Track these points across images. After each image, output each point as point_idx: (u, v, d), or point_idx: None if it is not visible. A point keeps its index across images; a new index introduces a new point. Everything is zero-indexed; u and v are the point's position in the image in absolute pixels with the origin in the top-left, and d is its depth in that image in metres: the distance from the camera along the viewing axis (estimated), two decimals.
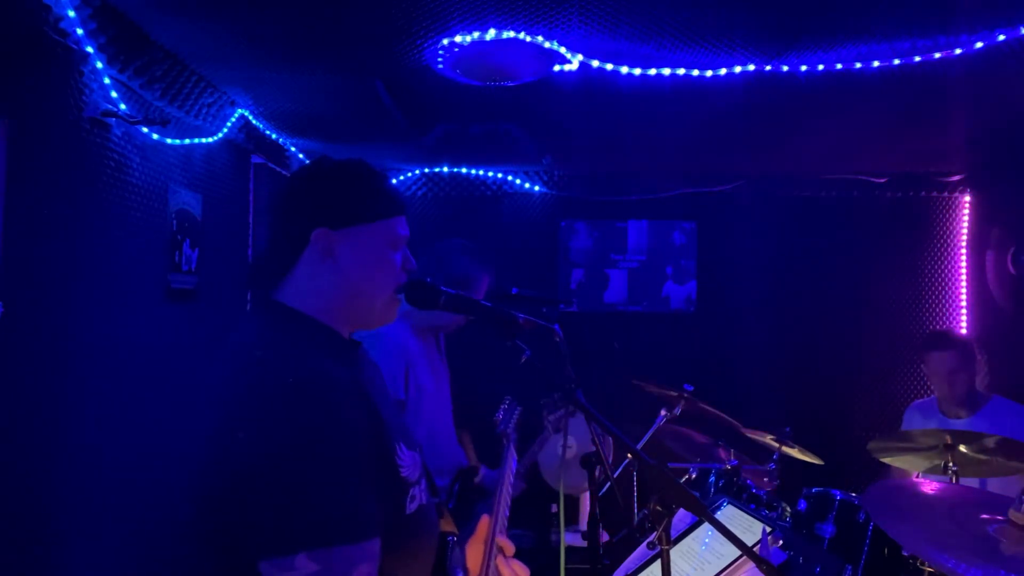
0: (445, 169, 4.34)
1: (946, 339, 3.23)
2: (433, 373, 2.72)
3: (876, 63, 2.40)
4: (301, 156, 3.77)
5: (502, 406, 2.64)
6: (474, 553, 1.50)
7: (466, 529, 2.60)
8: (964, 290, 4.28)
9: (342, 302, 1.32)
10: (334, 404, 1.15)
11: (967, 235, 4.29)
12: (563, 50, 2.35)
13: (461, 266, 2.62)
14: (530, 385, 2.04)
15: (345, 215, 1.31)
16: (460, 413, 2.97)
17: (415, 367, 2.58)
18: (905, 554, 2.13)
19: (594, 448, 2.08)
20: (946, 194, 4.32)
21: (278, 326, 1.28)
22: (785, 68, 2.47)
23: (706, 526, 2.03)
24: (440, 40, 2.29)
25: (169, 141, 2.61)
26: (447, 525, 1.51)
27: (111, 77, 2.22)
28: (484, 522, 1.53)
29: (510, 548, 1.51)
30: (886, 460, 2.82)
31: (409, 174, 4.41)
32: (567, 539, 3.31)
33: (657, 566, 1.44)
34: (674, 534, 1.99)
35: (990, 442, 2.49)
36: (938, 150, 3.72)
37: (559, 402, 2.67)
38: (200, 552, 1.17)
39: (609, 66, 2.45)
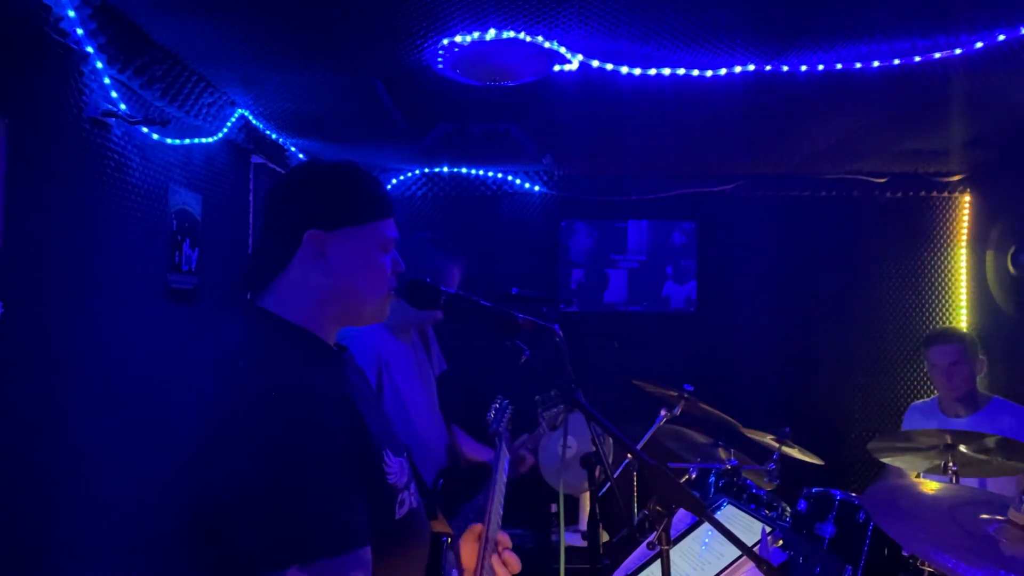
0: (445, 169, 4.34)
1: (947, 334, 3.28)
2: (416, 373, 2.72)
3: (876, 63, 2.40)
4: (301, 156, 3.77)
5: (493, 405, 2.63)
6: (468, 551, 1.50)
7: (453, 522, 2.60)
8: (964, 290, 4.28)
9: (332, 304, 1.32)
10: (317, 415, 1.15)
11: (967, 235, 4.29)
12: (563, 50, 2.35)
13: (429, 259, 2.61)
14: (530, 385, 2.04)
15: (338, 217, 1.31)
16: (458, 413, 2.97)
17: (390, 367, 2.57)
18: (905, 554, 2.13)
19: (594, 448, 2.09)
20: (946, 194, 4.31)
21: (261, 335, 1.28)
22: (785, 68, 2.47)
23: (706, 526, 2.03)
24: (440, 40, 2.28)
25: (169, 141, 2.61)
26: (441, 526, 1.51)
27: (111, 77, 2.22)
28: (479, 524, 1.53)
29: (506, 540, 1.51)
30: (886, 460, 2.83)
31: (409, 174, 4.40)
32: (567, 539, 3.31)
33: (657, 566, 1.44)
34: (674, 534, 1.99)
35: (990, 442, 2.49)
36: (938, 150, 3.72)
37: (555, 399, 2.66)
38: (195, 564, 1.17)
39: (609, 66, 2.45)
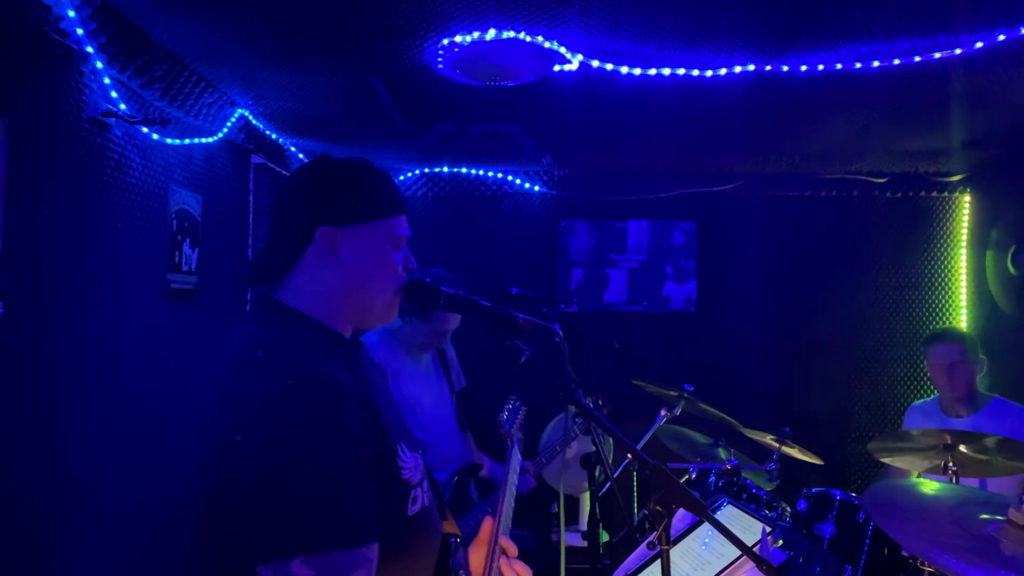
0: (445, 169, 4.34)
1: (947, 334, 3.28)
2: (426, 388, 2.74)
3: (876, 63, 2.40)
4: (301, 156, 3.77)
5: (506, 406, 2.64)
6: (477, 555, 1.50)
7: (463, 521, 2.60)
8: (964, 290, 4.28)
9: (344, 301, 1.32)
10: (333, 406, 1.14)
11: (967, 235, 4.29)
12: (563, 50, 2.35)
13: None
14: (530, 385, 2.04)
15: (350, 213, 1.32)
16: (465, 418, 2.97)
17: (397, 378, 2.60)
18: (905, 554, 2.14)
19: (594, 448, 2.09)
20: (946, 194, 4.31)
21: (278, 326, 1.28)
22: (785, 68, 2.47)
23: (706, 526, 2.03)
24: (440, 40, 2.28)
25: (169, 141, 2.61)
26: (450, 527, 1.51)
27: (111, 77, 2.22)
28: (487, 523, 1.53)
29: (513, 549, 1.51)
30: (886, 460, 2.82)
31: (409, 174, 4.40)
32: (567, 539, 3.31)
33: (657, 566, 1.44)
34: (674, 534, 1.99)
35: (990, 442, 2.49)
36: (938, 150, 3.72)
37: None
38: (199, 553, 1.17)
39: (609, 66, 2.45)
